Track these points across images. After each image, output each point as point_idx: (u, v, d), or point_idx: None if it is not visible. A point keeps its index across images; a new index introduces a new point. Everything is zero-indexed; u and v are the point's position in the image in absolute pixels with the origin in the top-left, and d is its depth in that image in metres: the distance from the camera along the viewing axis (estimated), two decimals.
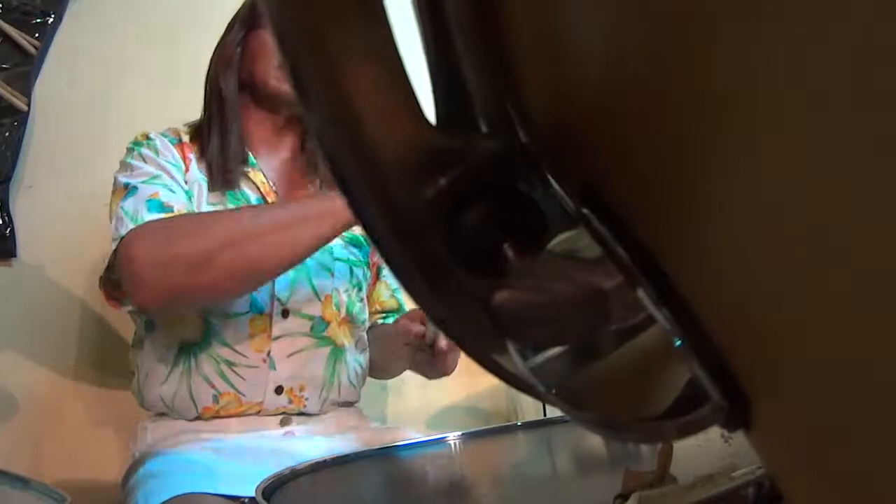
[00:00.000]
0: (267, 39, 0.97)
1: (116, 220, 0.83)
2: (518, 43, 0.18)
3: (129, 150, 0.94)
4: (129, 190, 0.86)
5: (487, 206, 0.19)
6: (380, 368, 1.10)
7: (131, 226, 0.80)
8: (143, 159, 0.91)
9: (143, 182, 0.87)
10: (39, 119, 1.23)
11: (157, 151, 0.93)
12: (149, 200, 0.84)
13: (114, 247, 0.82)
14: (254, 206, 0.91)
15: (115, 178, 0.90)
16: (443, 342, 0.92)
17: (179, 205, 0.86)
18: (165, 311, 0.89)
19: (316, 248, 0.82)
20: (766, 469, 0.36)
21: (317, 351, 0.95)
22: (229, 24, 1.02)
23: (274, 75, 0.95)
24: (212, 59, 1.01)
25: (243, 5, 1.02)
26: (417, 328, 0.93)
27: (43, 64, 1.25)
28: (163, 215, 0.82)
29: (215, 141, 0.94)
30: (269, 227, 0.80)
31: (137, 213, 0.82)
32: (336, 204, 0.81)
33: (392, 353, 1.05)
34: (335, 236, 0.83)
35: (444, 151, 0.19)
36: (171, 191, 0.87)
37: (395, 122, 0.18)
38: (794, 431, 0.16)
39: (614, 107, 0.17)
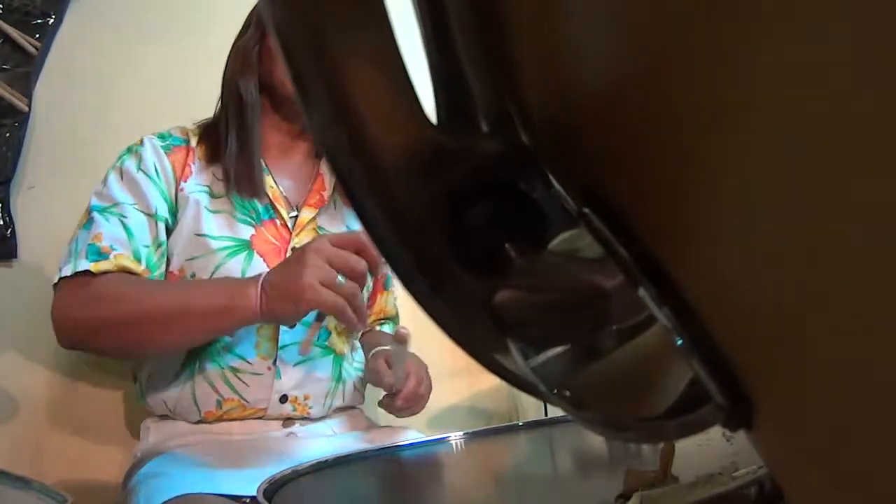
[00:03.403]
0: None
1: (68, 251, 0.88)
2: (519, 43, 0.18)
3: (116, 159, 0.95)
4: (88, 220, 0.89)
5: (488, 205, 0.19)
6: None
7: (68, 272, 0.85)
8: (120, 176, 0.92)
9: (101, 213, 0.89)
10: (40, 119, 1.23)
11: (139, 163, 0.93)
12: (90, 245, 0.87)
13: (56, 277, 0.87)
14: (173, 286, 0.90)
15: (91, 196, 0.92)
16: (398, 402, 0.93)
17: (123, 247, 0.87)
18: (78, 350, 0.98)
19: (210, 339, 0.88)
20: (767, 468, 0.36)
21: (322, 359, 0.95)
22: (245, 23, 1.00)
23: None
24: (228, 59, 0.99)
25: (258, 4, 1.00)
26: (387, 380, 0.94)
27: (43, 64, 1.25)
28: (98, 262, 0.86)
29: (233, 146, 0.93)
30: (166, 313, 0.82)
31: (80, 256, 0.86)
32: (240, 300, 0.80)
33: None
34: (233, 332, 0.88)
35: (445, 151, 0.19)
36: (124, 226, 0.89)
37: (397, 123, 0.18)
38: (796, 431, 0.16)
39: (615, 108, 0.17)
